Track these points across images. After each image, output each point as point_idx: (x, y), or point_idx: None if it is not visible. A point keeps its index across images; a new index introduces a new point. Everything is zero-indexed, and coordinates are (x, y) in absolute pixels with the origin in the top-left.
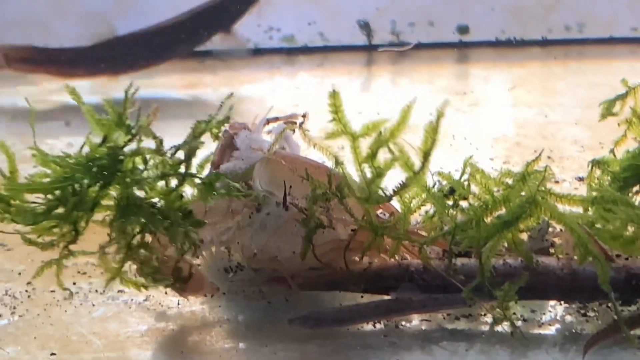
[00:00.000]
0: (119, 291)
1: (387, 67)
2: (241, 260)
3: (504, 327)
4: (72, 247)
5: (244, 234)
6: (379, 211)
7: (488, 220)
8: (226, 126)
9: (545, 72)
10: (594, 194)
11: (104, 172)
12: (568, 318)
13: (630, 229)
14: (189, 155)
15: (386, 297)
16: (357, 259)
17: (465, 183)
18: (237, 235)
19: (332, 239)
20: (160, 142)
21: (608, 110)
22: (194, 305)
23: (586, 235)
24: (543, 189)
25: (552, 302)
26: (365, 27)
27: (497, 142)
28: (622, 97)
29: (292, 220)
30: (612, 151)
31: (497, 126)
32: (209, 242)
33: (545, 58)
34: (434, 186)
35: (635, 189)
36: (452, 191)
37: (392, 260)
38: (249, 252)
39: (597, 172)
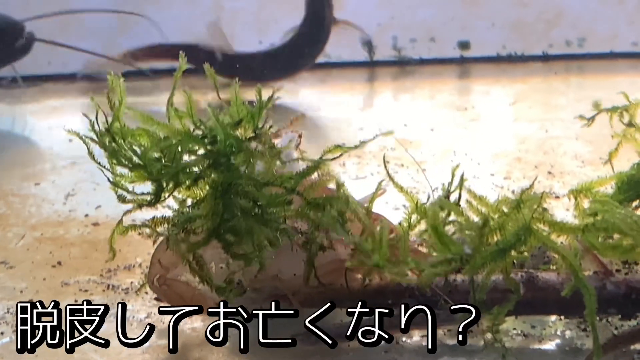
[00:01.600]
0: None
1: (388, 83)
2: (242, 279)
3: (504, 341)
4: (78, 268)
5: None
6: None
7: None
8: None
9: (546, 87)
10: (586, 220)
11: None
12: (568, 333)
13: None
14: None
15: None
16: (357, 276)
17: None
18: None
19: (332, 260)
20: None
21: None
22: (195, 322)
23: (578, 265)
24: (538, 215)
25: (552, 317)
26: (367, 43)
27: (498, 157)
28: (621, 109)
29: (292, 243)
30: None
31: (498, 141)
32: (209, 259)
33: (546, 73)
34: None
35: (634, 203)
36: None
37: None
38: (250, 273)
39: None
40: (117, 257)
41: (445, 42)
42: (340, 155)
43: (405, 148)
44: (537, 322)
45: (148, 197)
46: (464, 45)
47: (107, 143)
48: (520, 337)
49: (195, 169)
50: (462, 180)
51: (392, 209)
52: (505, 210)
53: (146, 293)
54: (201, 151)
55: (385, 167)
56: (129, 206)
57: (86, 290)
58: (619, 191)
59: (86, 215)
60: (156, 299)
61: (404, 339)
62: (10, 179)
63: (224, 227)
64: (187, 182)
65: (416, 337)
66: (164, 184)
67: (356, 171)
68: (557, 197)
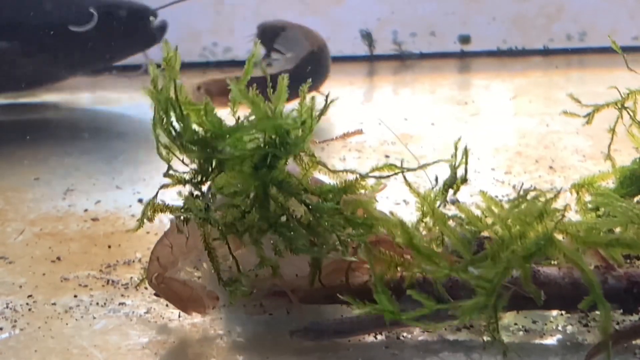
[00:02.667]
0: (120, 304)
1: (389, 78)
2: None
3: (505, 337)
4: (77, 263)
5: (246, 256)
6: None
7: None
8: None
9: (546, 81)
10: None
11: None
12: (569, 328)
13: (631, 230)
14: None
15: None
16: (357, 273)
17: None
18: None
19: (334, 260)
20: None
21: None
22: (195, 318)
23: (597, 280)
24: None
25: (554, 313)
26: (367, 37)
27: (498, 151)
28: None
29: None
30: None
31: (498, 136)
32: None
33: (546, 67)
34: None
35: (636, 198)
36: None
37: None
38: (251, 274)
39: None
40: (117, 252)
41: (445, 36)
42: (393, 174)
43: (405, 143)
44: (538, 317)
45: (188, 176)
46: (465, 39)
47: (168, 110)
48: (522, 333)
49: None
50: (466, 153)
51: (393, 204)
52: (526, 218)
53: (146, 288)
54: (251, 145)
55: (404, 175)
56: (129, 203)
57: (86, 285)
58: (621, 186)
59: (85, 211)
60: (156, 294)
61: (404, 334)
62: (10, 174)
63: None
64: (234, 169)
65: (416, 332)
66: (210, 167)
67: (357, 165)
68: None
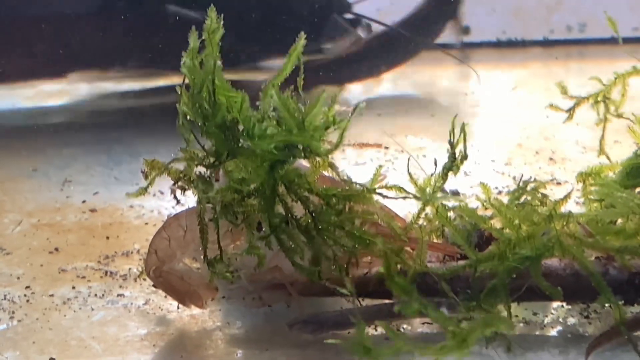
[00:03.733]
0: (118, 295)
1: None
2: (241, 274)
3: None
4: (75, 255)
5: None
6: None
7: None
8: None
9: (546, 72)
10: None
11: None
12: (570, 320)
13: (632, 222)
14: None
15: (387, 301)
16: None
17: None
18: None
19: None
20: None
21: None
22: (194, 310)
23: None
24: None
25: (555, 304)
26: (367, 29)
27: (498, 143)
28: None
29: None
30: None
31: (498, 127)
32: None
33: (546, 58)
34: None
35: (638, 189)
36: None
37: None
38: (249, 269)
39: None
40: (115, 243)
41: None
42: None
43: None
44: (539, 308)
45: (201, 155)
46: (465, 30)
47: (201, 90)
48: (522, 324)
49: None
50: (464, 132)
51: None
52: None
53: (144, 280)
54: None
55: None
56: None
57: (84, 276)
58: (627, 177)
59: (83, 202)
60: (154, 286)
61: (405, 325)
62: (7, 165)
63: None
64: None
65: (417, 324)
66: (225, 151)
67: (356, 157)
68: (559, 183)
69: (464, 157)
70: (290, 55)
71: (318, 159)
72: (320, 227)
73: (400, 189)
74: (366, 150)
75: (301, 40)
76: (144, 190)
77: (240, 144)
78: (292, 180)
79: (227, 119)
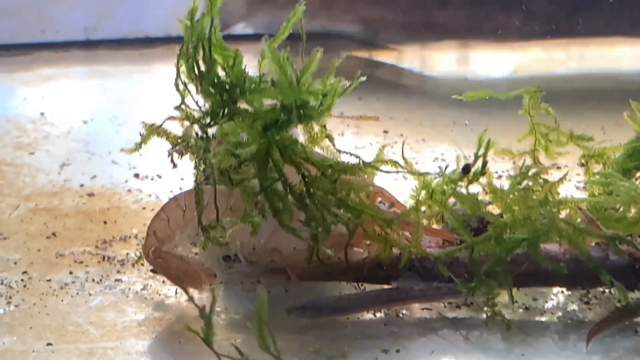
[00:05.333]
0: (116, 280)
1: (387, 54)
2: (239, 253)
3: (505, 314)
4: (73, 239)
5: (243, 230)
6: (378, 200)
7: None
8: None
9: (546, 57)
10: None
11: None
12: (570, 306)
13: (633, 210)
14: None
15: (386, 287)
16: (355, 249)
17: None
18: (236, 232)
19: (332, 235)
20: None
21: None
22: (192, 294)
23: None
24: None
25: (555, 290)
26: None
27: (498, 128)
28: None
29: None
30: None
31: (497, 112)
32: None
33: (546, 43)
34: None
35: (639, 174)
36: (466, 169)
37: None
38: (248, 247)
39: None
40: (113, 228)
41: None
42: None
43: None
44: (539, 294)
45: (197, 114)
46: None
47: (197, 47)
48: (522, 310)
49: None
50: (488, 146)
51: (392, 180)
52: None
53: (142, 265)
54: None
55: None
56: (125, 178)
57: (81, 261)
58: (630, 159)
59: (81, 186)
60: (152, 271)
61: (404, 311)
62: (4, 148)
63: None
64: (244, 122)
65: (416, 310)
66: (222, 113)
67: (355, 141)
68: (559, 167)
69: (481, 173)
70: (288, 21)
71: (315, 129)
72: (313, 194)
73: (395, 163)
74: (364, 122)
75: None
76: (138, 147)
77: (236, 105)
78: (287, 146)
79: (223, 78)
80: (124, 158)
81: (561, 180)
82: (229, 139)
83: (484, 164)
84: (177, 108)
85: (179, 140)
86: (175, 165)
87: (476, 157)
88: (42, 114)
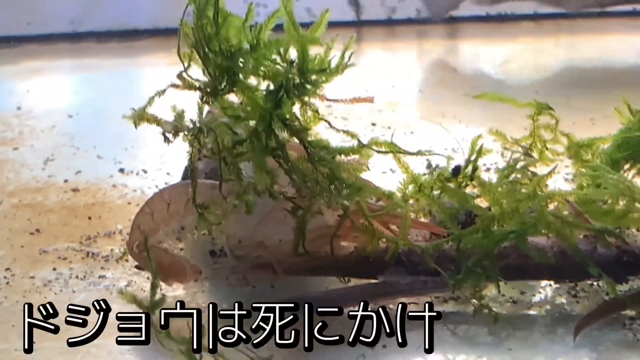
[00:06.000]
0: (100, 277)
1: (376, 44)
2: (225, 246)
3: (493, 308)
4: (57, 236)
5: (228, 222)
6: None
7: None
8: None
9: (536, 47)
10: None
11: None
12: (558, 299)
13: (621, 202)
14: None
15: (373, 281)
16: (343, 243)
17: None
18: (222, 225)
19: (319, 226)
20: None
21: None
22: (177, 291)
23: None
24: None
25: (542, 283)
26: (354, 2)
27: (486, 119)
28: None
29: (279, 208)
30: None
31: (487, 103)
32: (189, 226)
33: (536, 33)
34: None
35: (627, 166)
36: (456, 171)
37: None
38: (234, 240)
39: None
40: (97, 223)
41: (434, 1)
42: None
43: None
44: (527, 287)
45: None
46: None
47: (205, 10)
48: (509, 304)
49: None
50: (480, 152)
51: (380, 172)
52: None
53: (126, 261)
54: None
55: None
56: (110, 173)
57: (65, 258)
58: (618, 150)
59: (65, 181)
60: (137, 267)
61: (391, 306)
62: None
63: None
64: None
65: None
66: (224, 82)
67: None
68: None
69: (471, 178)
70: None
71: (308, 113)
72: (316, 164)
73: (391, 145)
74: (357, 105)
75: None
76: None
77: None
78: (288, 119)
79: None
80: (109, 153)
81: (550, 173)
82: (227, 112)
83: (474, 169)
84: (179, 76)
85: (174, 120)
86: (169, 142)
87: (467, 161)
88: (26, 108)
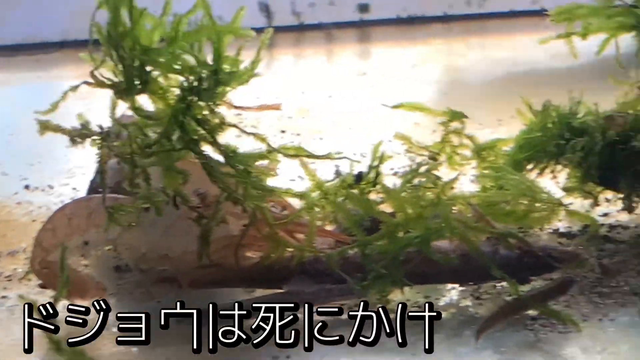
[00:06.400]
0: (2, 297)
1: (288, 49)
2: (129, 260)
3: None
4: None
5: (132, 233)
6: (271, 204)
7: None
8: None
9: (447, 48)
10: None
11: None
12: (463, 302)
13: (523, 203)
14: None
15: (278, 291)
16: (248, 253)
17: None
18: (124, 236)
19: (224, 235)
20: None
21: None
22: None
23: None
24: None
25: (448, 286)
26: (264, 8)
27: (396, 122)
28: None
29: (183, 218)
30: None
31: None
32: (93, 242)
33: (446, 34)
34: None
35: (529, 166)
36: (359, 178)
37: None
38: (137, 252)
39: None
40: (0, 242)
41: (344, 5)
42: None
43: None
44: (432, 291)
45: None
46: (364, 8)
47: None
48: (415, 308)
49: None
50: (382, 158)
51: (288, 180)
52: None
53: (29, 280)
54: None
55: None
56: (15, 190)
57: None
58: (520, 150)
59: None
60: (41, 285)
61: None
62: None
63: None
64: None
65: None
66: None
67: (252, 140)
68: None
69: (373, 184)
70: None
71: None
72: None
73: (300, 149)
74: (266, 112)
75: None
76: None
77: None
78: (201, 119)
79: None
80: (14, 169)
81: (453, 180)
82: (139, 113)
83: (377, 175)
84: (92, 74)
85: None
86: (77, 144)
87: (370, 167)
88: None
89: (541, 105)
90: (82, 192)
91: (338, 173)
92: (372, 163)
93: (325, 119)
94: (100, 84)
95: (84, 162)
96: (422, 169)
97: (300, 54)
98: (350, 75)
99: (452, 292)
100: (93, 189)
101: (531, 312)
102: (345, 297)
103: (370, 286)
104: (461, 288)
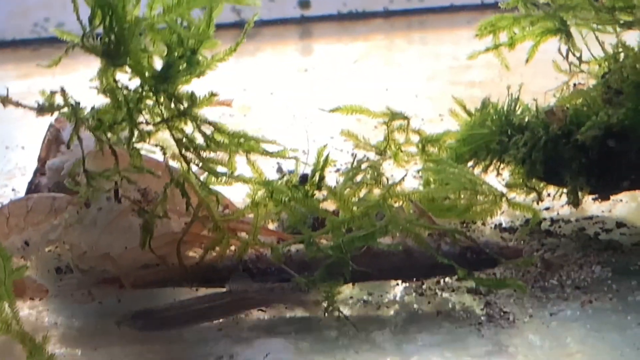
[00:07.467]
0: None
1: (229, 46)
2: (70, 260)
3: (343, 310)
4: None
5: (72, 232)
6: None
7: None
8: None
9: (388, 44)
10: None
11: None
12: (406, 298)
13: (464, 197)
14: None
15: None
16: (191, 253)
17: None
18: (65, 234)
19: (166, 232)
20: None
21: None
22: (21, 310)
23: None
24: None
25: (391, 283)
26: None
27: (338, 118)
28: None
29: (124, 215)
30: None
31: (338, 102)
32: (34, 243)
33: (387, 30)
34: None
35: (471, 163)
36: (303, 179)
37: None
38: (79, 251)
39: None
40: None
41: (285, 1)
42: None
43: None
44: (375, 288)
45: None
46: (304, 4)
47: None
48: (359, 305)
49: None
50: (326, 161)
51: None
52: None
53: None
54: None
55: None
56: None
57: None
58: (463, 144)
59: None
60: None
61: (242, 316)
62: None
63: None
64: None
65: (254, 311)
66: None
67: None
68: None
69: (318, 187)
70: None
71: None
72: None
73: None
74: (215, 107)
75: None
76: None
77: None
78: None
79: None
80: None
81: (400, 181)
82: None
83: (321, 179)
84: (82, 40)
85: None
86: (43, 113)
87: (314, 171)
88: None
89: (480, 102)
90: (22, 194)
91: (280, 170)
92: (316, 167)
93: (267, 116)
94: (88, 49)
95: (23, 164)
96: (364, 165)
97: (242, 51)
98: (292, 72)
99: (395, 289)
100: (31, 189)
101: (477, 310)
102: (287, 295)
103: (314, 283)
104: (404, 284)
